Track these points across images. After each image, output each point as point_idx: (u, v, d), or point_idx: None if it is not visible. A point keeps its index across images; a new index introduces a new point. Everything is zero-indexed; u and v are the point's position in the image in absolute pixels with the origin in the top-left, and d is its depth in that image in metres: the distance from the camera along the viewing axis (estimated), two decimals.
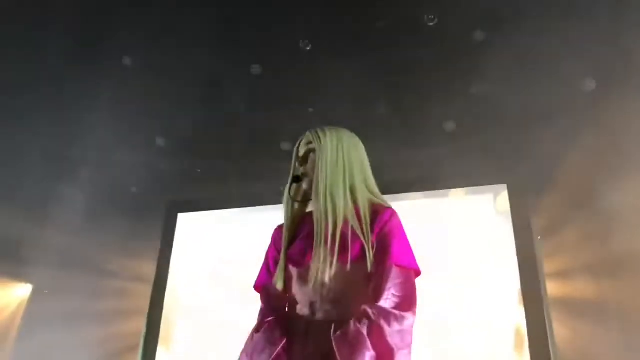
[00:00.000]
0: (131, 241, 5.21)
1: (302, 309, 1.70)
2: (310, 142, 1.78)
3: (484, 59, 3.73)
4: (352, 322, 1.52)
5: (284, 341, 1.64)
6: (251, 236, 4.79)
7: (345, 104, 4.10)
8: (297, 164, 1.81)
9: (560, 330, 4.05)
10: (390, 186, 4.66)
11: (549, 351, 3.87)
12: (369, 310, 1.52)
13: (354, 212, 1.67)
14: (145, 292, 5.06)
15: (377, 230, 1.65)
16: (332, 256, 1.62)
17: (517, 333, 4.01)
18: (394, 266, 1.58)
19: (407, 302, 1.54)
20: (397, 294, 1.54)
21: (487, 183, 4.52)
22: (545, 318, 3.97)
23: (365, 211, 1.67)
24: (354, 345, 1.48)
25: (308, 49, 3.85)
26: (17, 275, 5.63)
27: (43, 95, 4.08)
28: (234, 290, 4.71)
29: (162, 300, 4.97)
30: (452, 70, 3.80)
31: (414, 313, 1.54)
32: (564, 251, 4.32)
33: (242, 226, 4.93)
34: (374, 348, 1.46)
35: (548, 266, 4.27)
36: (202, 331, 4.71)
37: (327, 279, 1.63)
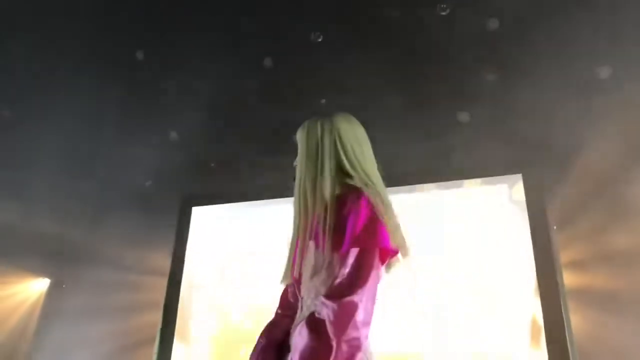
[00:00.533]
0: (146, 235, 5.25)
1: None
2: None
3: (498, 48, 3.69)
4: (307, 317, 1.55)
5: (261, 345, 1.72)
6: (265, 229, 4.82)
7: (358, 95, 4.08)
8: None
9: (576, 320, 4.02)
10: (404, 177, 4.71)
11: (566, 341, 3.85)
12: (317, 303, 1.53)
13: (322, 203, 1.65)
14: (160, 285, 5.10)
15: (343, 215, 1.62)
16: (304, 250, 1.64)
17: (534, 323, 3.99)
18: (349, 249, 1.54)
19: (355, 283, 1.48)
20: (345, 276, 1.50)
21: (502, 173, 4.49)
22: (562, 308, 3.95)
23: (332, 201, 1.65)
24: (299, 341, 1.49)
25: (319, 40, 3.83)
26: (35, 269, 5.70)
27: (57, 91, 4.11)
28: (248, 283, 4.74)
29: (178, 293, 5.00)
30: (465, 60, 3.77)
31: (362, 294, 1.47)
32: (580, 241, 4.29)
33: (256, 219, 4.95)
34: (313, 343, 1.45)
35: (564, 256, 4.24)
36: (218, 324, 4.74)
37: (304, 274, 1.66)
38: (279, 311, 1.84)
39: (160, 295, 5.06)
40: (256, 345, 1.76)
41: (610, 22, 3.48)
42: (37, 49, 3.82)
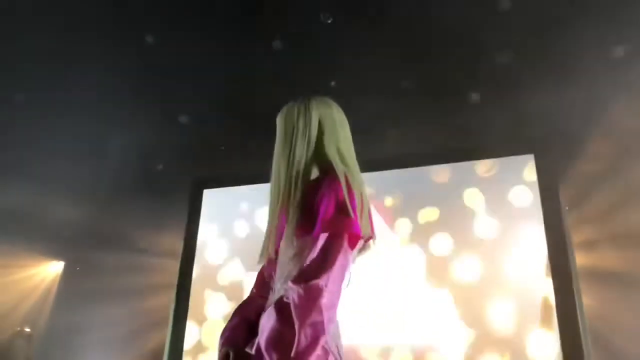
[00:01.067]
0: (158, 218, 5.30)
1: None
2: None
3: (509, 28, 3.65)
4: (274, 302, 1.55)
5: (227, 333, 1.71)
6: None
7: (369, 77, 4.06)
8: None
9: (588, 300, 4.03)
10: (416, 159, 4.70)
11: (578, 322, 3.85)
12: (286, 287, 1.54)
13: (297, 187, 1.66)
14: (173, 267, 5.16)
15: (316, 199, 1.61)
16: (274, 234, 1.67)
17: (545, 304, 3.99)
18: (319, 234, 1.54)
19: (321, 267, 1.48)
20: (312, 260, 1.51)
21: (514, 154, 4.47)
22: (574, 289, 3.95)
23: (306, 184, 1.66)
24: (265, 324, 1.50)
25: (329, 21, 3.80)
26: (49, 252, 5.77)
27: (69, 74, 4.12)
28: (259, 265, 4.76)
29: (190, 274, 5.05)
30: (477, 40, 3.73)
31: (327, 278, 1.46)
32: (592, 222, 4.28)
33: (266, 201, 4.96)
34: (278, 325, 1.46)
35: (576, 237, 4.24)
36: (230, 305, 4.79)
37: (280, 256, 1.68)
38: (254, 290, 1.85)
39: (172, 277, 5.12)
40: (227, 323, 1.76)
41: (625, 1, 3.42)
42: (49, 34, 3.82)
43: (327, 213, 1.55)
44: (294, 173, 1.66)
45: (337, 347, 1.54)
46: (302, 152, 1.69)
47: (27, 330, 5.50)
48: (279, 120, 1.77)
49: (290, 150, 1.69)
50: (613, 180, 4.21)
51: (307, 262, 1.51)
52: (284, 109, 1.78)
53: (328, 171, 1.66)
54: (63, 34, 3.84)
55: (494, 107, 4.14)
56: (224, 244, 5.10)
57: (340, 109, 1.81)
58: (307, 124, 1.72)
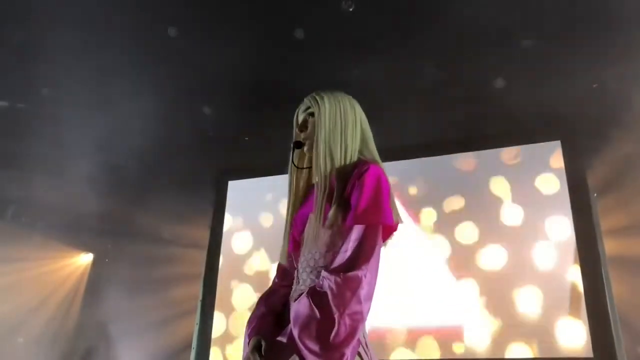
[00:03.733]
0: (185, 209, 5.35)
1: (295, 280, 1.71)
2: (308, 108, 1.78)
3: (535, 11, 3.59)
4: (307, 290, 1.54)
5: (254, 322, 1.72)
6: None
7: (391, 64, 4.03)
8: (297, 131, 1.80)
9: (617, 288, 3.96)
10: (442, 146, 4.66)
11: (607, 310, 3.80)
12: (319, 278, 1.53)
13: (329, 177, 1.65)
14: (200, 258, 5.21)
15: (347, 189, 1.61)
16: (322, 219, 1.63)
17: (574, 292, 3.95)
18: (353, 225, 1.54)
19: (360, 258, 1.49)
20: (350, 252, 1.51)
21: (540, 141, 4.41)
22: (603, 276, 3.90)
23: (337, 175, 1.65)
24: (300, 312, 1.48)
25: (350, 10, 3.77)
26: (78, 245, 5.88)
27: (93, 69, 4.17)
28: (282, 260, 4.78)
29: (217, 265, 5.11)
30: (502, 26, 3.68)
31: (366, 269, 1.47)
32: (621, 208, 4.20)
33: None
34: (315, 314, 1.44)
35: (604, 224, 4.17)
36: (256, 296, 4.82)
37: (303, 246, 1.68)
38: (277, 280, 1.86)
39: (199, 268, 5.17)
40: (254, 312, 1.77)
41: None
42: (72, 30, 3.87)
43: (360, 204, 1.55)
44: (330, 164, 1.66)
45: (364, 337, 1.56)
46: (351, 145, 1.70)
47: (62, 321, 5.63)
48: (322, 104, 1.74)
49: (341, 138, 1.69)
50: None
51: (344, 252, 1.51)
52: (323, 95, 1.77)
53: (359, 162, 1.67)
54: (84, 29, 3.89)
55: (520, 94, 4.08)
56: (249, 235, 5.13)
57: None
58: (355, 120, 1.74)
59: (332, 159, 1.66)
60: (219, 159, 5.33)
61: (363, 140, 1.75)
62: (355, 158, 1.69)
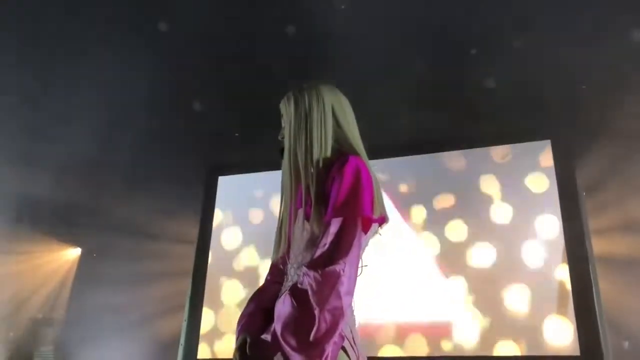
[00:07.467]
0: (174, 204, 5.33)
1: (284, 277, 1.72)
2: (282, 114, 1.77)
3: (526, 13, 3.60)
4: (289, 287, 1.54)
5: (243, 320, 1.70)
6: None
7: (381, 61, 4.03)
8: (279, 138, 1.79)
9: (605, 287, 3.99)
10: (431, 145, 4.67)
11: (595, 309, 3.83)
12: (299, 273, 1.53)
13: (310, 173, 1.64)
14: (189, 254, 5.19)
15: (327, 183, 1.60)
16: (292, 218, 1.64)
17: (562, 291, 3.97)
18: (331, 218, 1.52)
19: (338, 252, 1.47)
20: (328, 246, 1.49)
21: (530, 139, 4.43)
22: (591, 275, 3.92)
23: (319, 170, 1.63)
24: (281, 311, 1.48)
25: (342, 7, 3.77)
26: (66, 239, 5.84)
27: (85, 63, 4.13)
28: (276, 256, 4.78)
29: (206, 261, 5.09)
30: (492, 24, 3.68)
31: (344, 263, 1.46)
32: (610, 208, 4.23)
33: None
34: (296, 312, 1.45)
35: (593, 223, 4.20)
36: (245, 292, 4.82)
37: (293, 243, 1.67)
38: (269, 277, 1.85)
39: (188, 263, 5.16)
40: (244, 310, 1.76)
41: None
42: (65, 24, 3.84)
43: (339, 197, 1.53)
44: (309, 158, 1.65)
45: (351, 332, 1.55)
46: (318, 138, 1.67)
47: (49, 316, 5.59)
48: (288, 107, 1.73)
49: (306, 136, 1.67)
50: (630, 166, 4.16)
51: (322, 247, 1.50)
52: (291, 95, 1.75)
53: (339, 155, 1.65)
54: (76, 22, 3.86)
55: (509, 93, 4.09)
56: (238, 231, 5.12)
57: (344, 96, 1.80)
58: (321, 110, 1.70)
59: (295, 159, 1.65)
60: (209, 155, 5.31)
61: (338, 128, 1.71)
62: (328, 152, 1.66)
